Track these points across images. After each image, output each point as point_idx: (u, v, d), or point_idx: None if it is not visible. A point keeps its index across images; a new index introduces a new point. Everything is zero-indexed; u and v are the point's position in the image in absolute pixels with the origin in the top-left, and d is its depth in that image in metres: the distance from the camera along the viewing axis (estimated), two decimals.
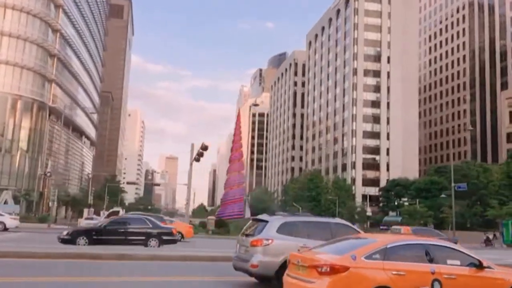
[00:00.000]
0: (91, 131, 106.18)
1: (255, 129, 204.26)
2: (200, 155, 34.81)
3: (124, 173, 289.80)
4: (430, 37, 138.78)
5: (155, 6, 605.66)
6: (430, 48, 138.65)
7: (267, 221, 10.86)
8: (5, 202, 61.70)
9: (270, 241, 10.28)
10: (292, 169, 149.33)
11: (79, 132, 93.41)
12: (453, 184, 49.44)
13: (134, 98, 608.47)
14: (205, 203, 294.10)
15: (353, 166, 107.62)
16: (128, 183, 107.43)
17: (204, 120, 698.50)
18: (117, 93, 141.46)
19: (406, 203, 76.20)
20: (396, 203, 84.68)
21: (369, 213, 75.79)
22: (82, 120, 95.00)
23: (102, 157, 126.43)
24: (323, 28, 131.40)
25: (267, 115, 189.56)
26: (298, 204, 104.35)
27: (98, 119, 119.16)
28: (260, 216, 11.96)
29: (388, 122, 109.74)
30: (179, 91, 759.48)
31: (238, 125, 76.64)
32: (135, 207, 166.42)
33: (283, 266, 9.63)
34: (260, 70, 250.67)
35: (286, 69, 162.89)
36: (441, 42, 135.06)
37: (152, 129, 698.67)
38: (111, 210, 42.33)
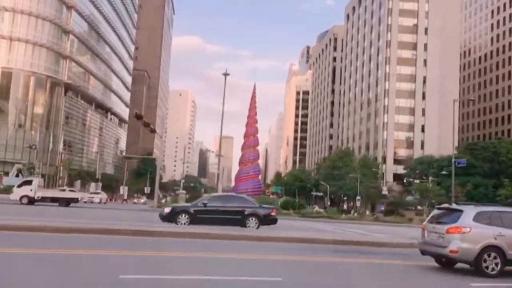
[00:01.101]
0: (119, 108, 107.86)
1: (299, 108, 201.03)
2: (146, 125, 33.55)
3: (176, 152, 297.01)
4: (481, 7, 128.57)
5: None
6: (480, 19, 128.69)
7: (461, 210, 11.85)
8: (17, 175, 63.68)
9: (468, 229, 11.20)
10: (330, 147, 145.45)
11: (104, 109, 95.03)
12: (453, 160, 45.24)
13: (193, 79, 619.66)
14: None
15: (385, 143, 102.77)
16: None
17: (261, 99, 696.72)
18: (154, 71, 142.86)
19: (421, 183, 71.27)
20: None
21: (385, 192, 71.07)
22: (107, 97, 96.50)
23: (138, 134, 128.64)
24: (359, 0, 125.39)
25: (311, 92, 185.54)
26: (327, 182, 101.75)
27: (131, 97, 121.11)
28: (445, 205, 13.79)
29: (424, 98, 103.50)
30: (239, 71, 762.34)
31: (253, 100, 75.25)
32: (175, 184, 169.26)
33: (481, 252, 11.02)
34: (308, 47, 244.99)
35: (326, 45, 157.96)
36: (492, 11, 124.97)
37: (211, 109, 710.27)
38: (23, 180, 41.85)
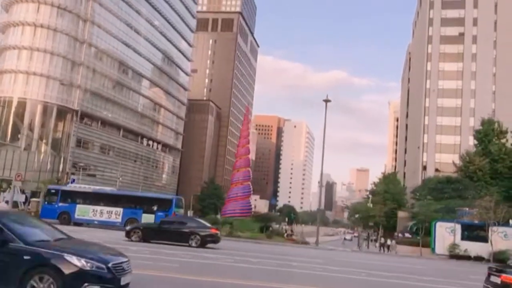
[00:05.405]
0: (165, 136, 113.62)
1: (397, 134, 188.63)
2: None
3: (291, 183, 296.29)
4: None
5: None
6: None
7: None
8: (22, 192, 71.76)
9: None
10: (404, 175, 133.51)
11: (138, 135, 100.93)
12: None
13: (339, 112, 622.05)
14: None
15: (425, 148, 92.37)
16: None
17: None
18: (225, 101, 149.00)
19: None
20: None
21: None
22: (140, 124, 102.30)
23: (199, 163, 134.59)
24: (417, 13, 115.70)
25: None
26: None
27: (192, 125, 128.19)
28: None
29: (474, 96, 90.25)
30: (383, 103, 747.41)
31: (246, 120, 75.69)
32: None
33: None
34: None
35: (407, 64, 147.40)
36: None
37: (354, 142, 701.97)
38: None
